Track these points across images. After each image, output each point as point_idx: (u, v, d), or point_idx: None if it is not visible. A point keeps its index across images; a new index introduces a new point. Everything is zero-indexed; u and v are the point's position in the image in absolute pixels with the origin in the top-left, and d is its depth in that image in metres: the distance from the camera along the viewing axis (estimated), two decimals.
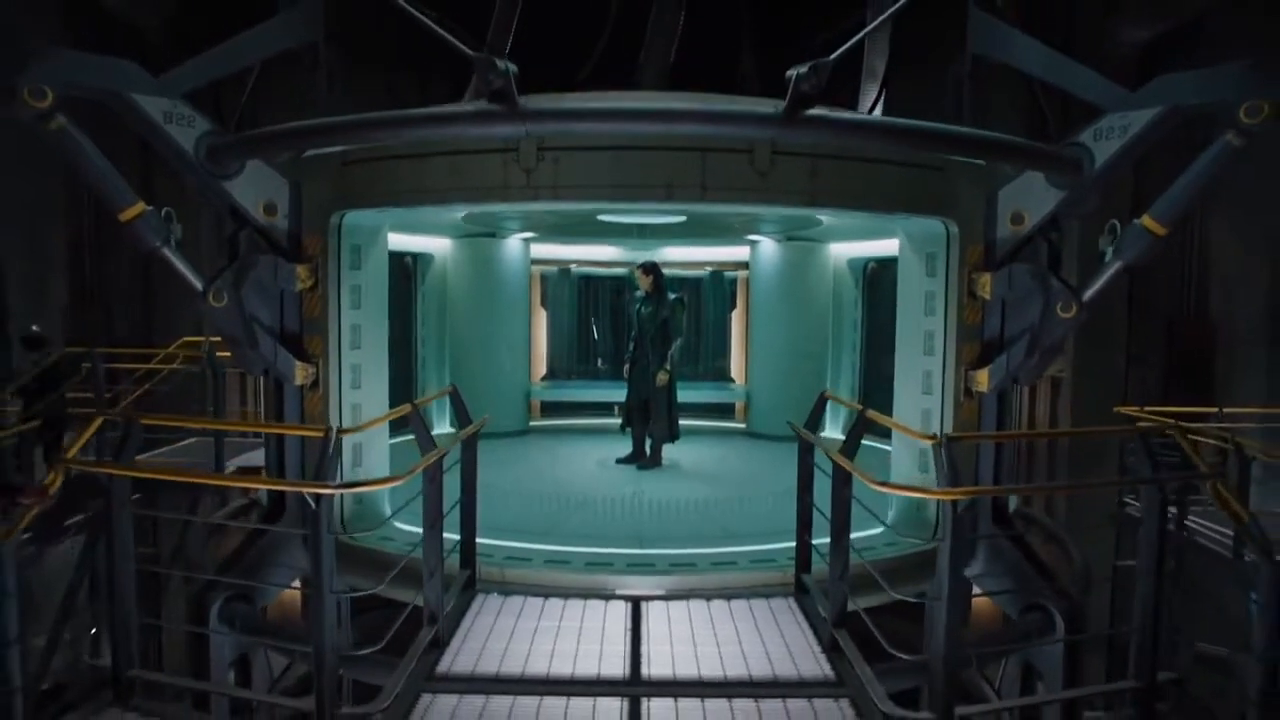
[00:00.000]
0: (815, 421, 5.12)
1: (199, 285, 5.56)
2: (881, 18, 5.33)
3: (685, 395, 9.38)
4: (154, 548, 7.65)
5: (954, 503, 3.31)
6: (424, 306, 10.34)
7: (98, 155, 5.13)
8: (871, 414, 4.39)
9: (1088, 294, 5.67)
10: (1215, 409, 9.39)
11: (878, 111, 7.97)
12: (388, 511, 5.96)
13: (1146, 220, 5.34)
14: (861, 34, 4.90)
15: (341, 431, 4.10)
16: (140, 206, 5.25)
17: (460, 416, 5.33)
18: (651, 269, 8.27)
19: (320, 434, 3.94)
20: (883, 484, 3.76)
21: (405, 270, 10.07)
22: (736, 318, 12.33)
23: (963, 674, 6.22)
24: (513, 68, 4.29)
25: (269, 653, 5.99)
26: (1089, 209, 5.81)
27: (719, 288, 12.55)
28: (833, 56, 4.46)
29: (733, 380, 12.27)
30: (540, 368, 12.24)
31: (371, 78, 10.81)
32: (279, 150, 5.43)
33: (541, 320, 12.38)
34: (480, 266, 10.27)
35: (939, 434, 3.74)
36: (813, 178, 5.23)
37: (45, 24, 9.77)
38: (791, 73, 4.37)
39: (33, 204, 10.02)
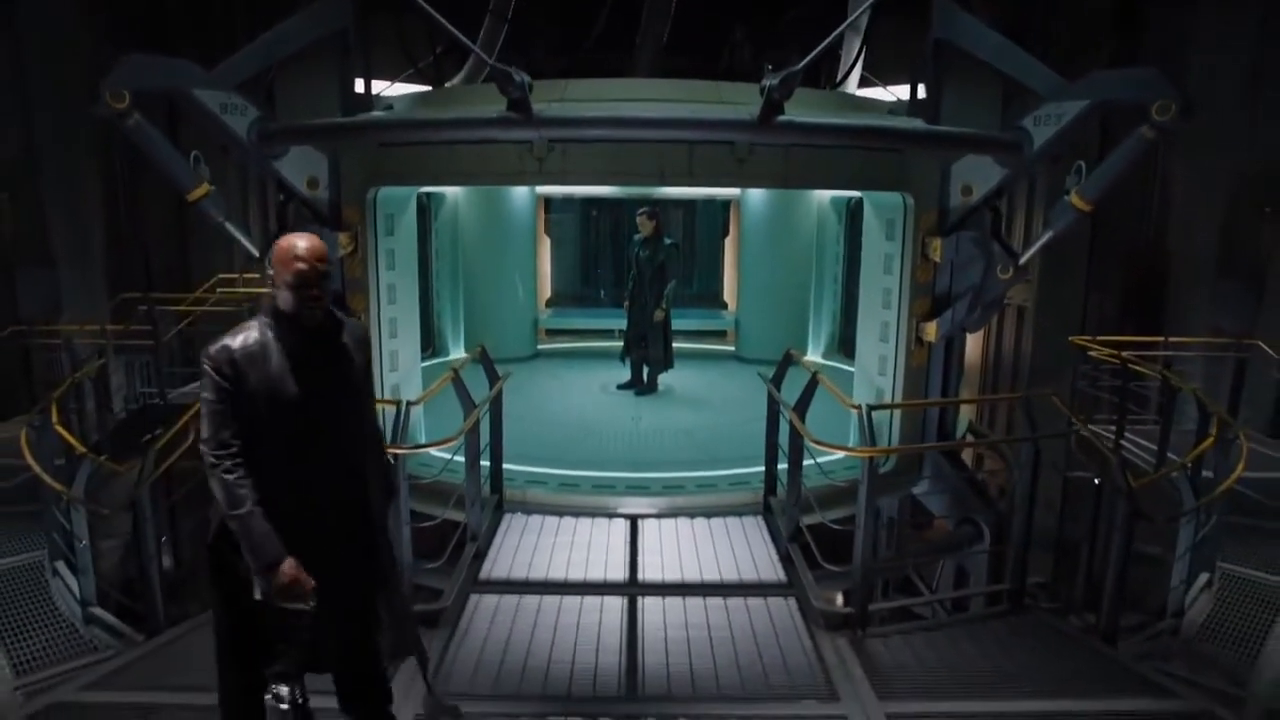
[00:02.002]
0: (780, 377, 6.09)
1: (256, 252, 6.46)
2: (854, 16, 5.99)
3: (680, 323, 10.32)
4: None
5: (870, 459, 4.35)
6: (438, 242, 11.15)
7: (166, 144, 5.92)
8: (820, 378, 5.38)
9: (1023, 258, 6.57)
10: (1162, 338, 10.37)
11: (858, 70, 8.56)
12: (423, 438, 7.02)
13: (1074, 198, 6.17)
14: (834, 34, 5.62)
15: (410, 404, 5.10)
16: (205, 188, 6.08)
17: (489, 375, 6.28)
18: (654, 214, 9.00)
19: (394, 404, 4.94)
20: (818, 442, 4.82)
21: (420, 208, 10.82)
22: (729, 244, 13.10)
23: (904, 572, 7.47)
24: (528, 79, 5.08)
25: None
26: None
27: (712, 214, 13.29)
28: (800, 65, 5.23)
29: (725, 305, 13.17)
30: (546, 293, 13.14)
31: (383, 27, 11.20)
32: (322, 141, 6.19)
33: (546, 248, 13.19)
34: (489, 204, 11.04)
35: (862, 405, 4.73)
36: (785, 163, 6.03)
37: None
38: (764, 83, 5.15)
39: (67, 152, 10.64)
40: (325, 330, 2.71)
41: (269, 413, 2.57)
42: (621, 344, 9.60)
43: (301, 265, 2.58)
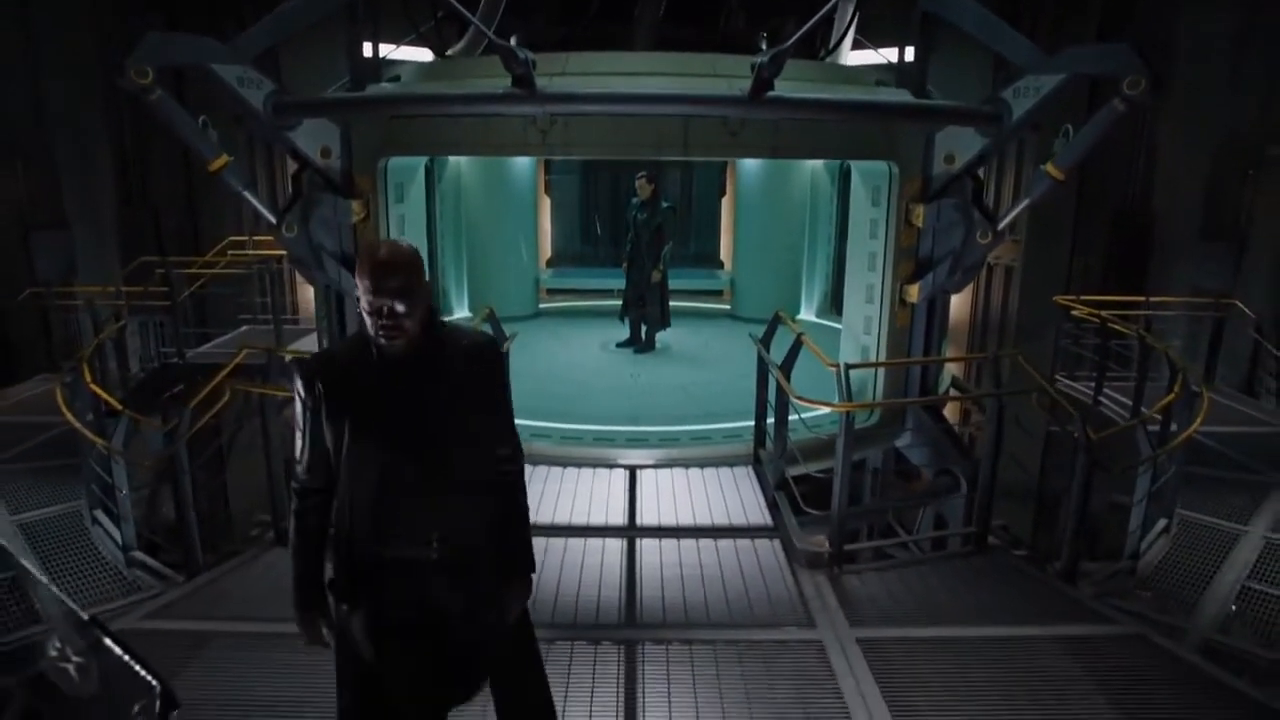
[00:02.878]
0: (769, 337, 6.47)
1: (273, 219, 6.80)
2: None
3: (677, 282, 10.67)
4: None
5: (848, 413, 4.77)
6: (442, 204, 11.44)
7: (188, 118, 6.23)
8: (804, 338, 5.78)
9: (1001, 224, 6.92)
10: (1144, 298, 10.74)
11: (851, 35, 8.79)
12: None
13: (1049, 167, 6.51)
14: (821, 12, 5.91)
15: None
16: (225, 158, 6.40)
17: (498, 334, 6.66)
18: (652, 178, 9.25)
19: None
20: (801, 398, 5.24)
21: (425, 170, 11.09)
22: (726, 204, 13.38)
23: (884, 519, 7.95)
24: (532, 57, 5.38)
25: None
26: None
27: (709, 175, 13.55)
28: (788, 44, 5.53)
29: (721, 264, 13.51)
30: (546, 253, 13.45)
31: None
32: (334, 114, 6.49)
33: (547, 209, 13.47)
34: (491, 166, 11.30)
35: (840, 363, 5.13)
36: (775, 135, 6.35)
37: None
38: (755, 60, 5.45)
39: (78, 118, 10.88)
40: (419, 353, 2.25)
41: (352, 437, 2.23)
42: (620, 303, 9.97)
43: (367, 292, 2.13)
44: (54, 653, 1.68)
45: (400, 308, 2.13)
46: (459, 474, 2.30)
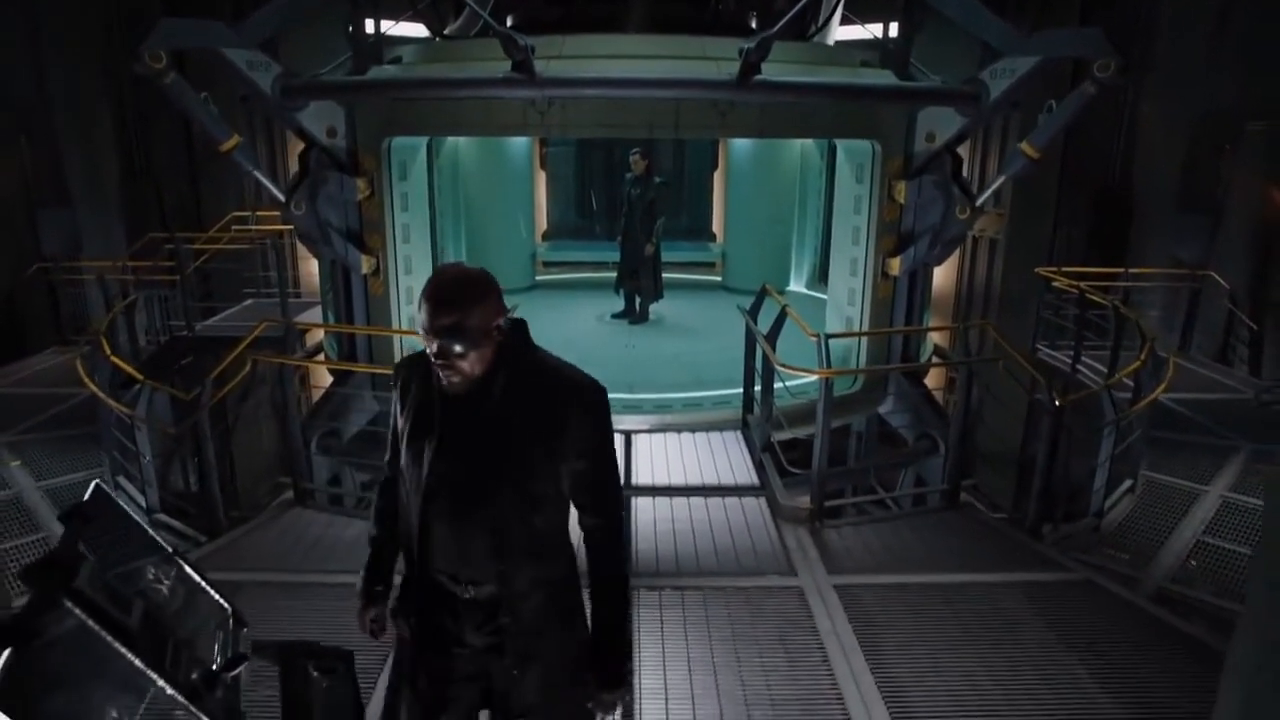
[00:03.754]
0: (757, 309, 6.82)
1: (282, 197, 7.09)
2: None
3: (670, 254, 10.95)
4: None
5: (827, 379, 5.14)
6: (440, 178, 11.66)
7: (200, 101, 6.49)
8: (789, 310, 6.13)
9: (980, 200, 7.25)
10: (1123, 269, 11.11)
11: (839, 13, 9.03)
12: None
13: (1025, 146, 6.82)
14: (800, 4, 6.18)
15: None
16: (236, 139, 6.68)
17: None
18: (645, 155, 9.45)
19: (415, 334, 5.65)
20: (784, 365, 5.61)
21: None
22: (718, 178, 13.64)
23: (867, 480, 8.36)
24: (531, 43, 5.65)
25: (354, 471, 8.04)
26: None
27: (701, 149, 13.79)
28: (773, 30, 5.82)
29: (714, 237, 13.80)
30: (542, 226, 13.71)
31: None
32: (339, 98, 6.75)
33: (542, 182, 13.72)
34: (488, 141, 11.51)
35: (820, 334, 5.50)
36: (762, 116, 6.64)
37: None
38: (742, 47, 5.74)
39: (80, 94, 11.05)
40: (487, 389, 2.01)
41: (404, 442, 2.10)
42: (615, 276, 10.27)
43: (421, 328, 1.93)
44: (150, 576, 2.04)
45: (457, 348, 1.91)
46: (499, 523, 2.03)
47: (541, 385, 2.05)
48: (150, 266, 9.60)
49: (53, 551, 1.70)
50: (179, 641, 1.95)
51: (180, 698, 1.77)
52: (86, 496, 1.98)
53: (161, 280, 9.80)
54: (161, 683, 1.73)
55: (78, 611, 1.62)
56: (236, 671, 2.07)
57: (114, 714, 1.60)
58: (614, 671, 2.15)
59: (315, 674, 2.27)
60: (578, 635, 2.17)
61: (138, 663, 1.69)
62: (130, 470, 6.63)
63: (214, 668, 2.01)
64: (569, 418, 2.03)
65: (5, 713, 1.34)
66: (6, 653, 1.41)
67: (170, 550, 2.22)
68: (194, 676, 1.90)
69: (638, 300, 10.17)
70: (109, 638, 1.66)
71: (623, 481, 5.98)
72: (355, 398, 7.81)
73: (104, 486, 2.07)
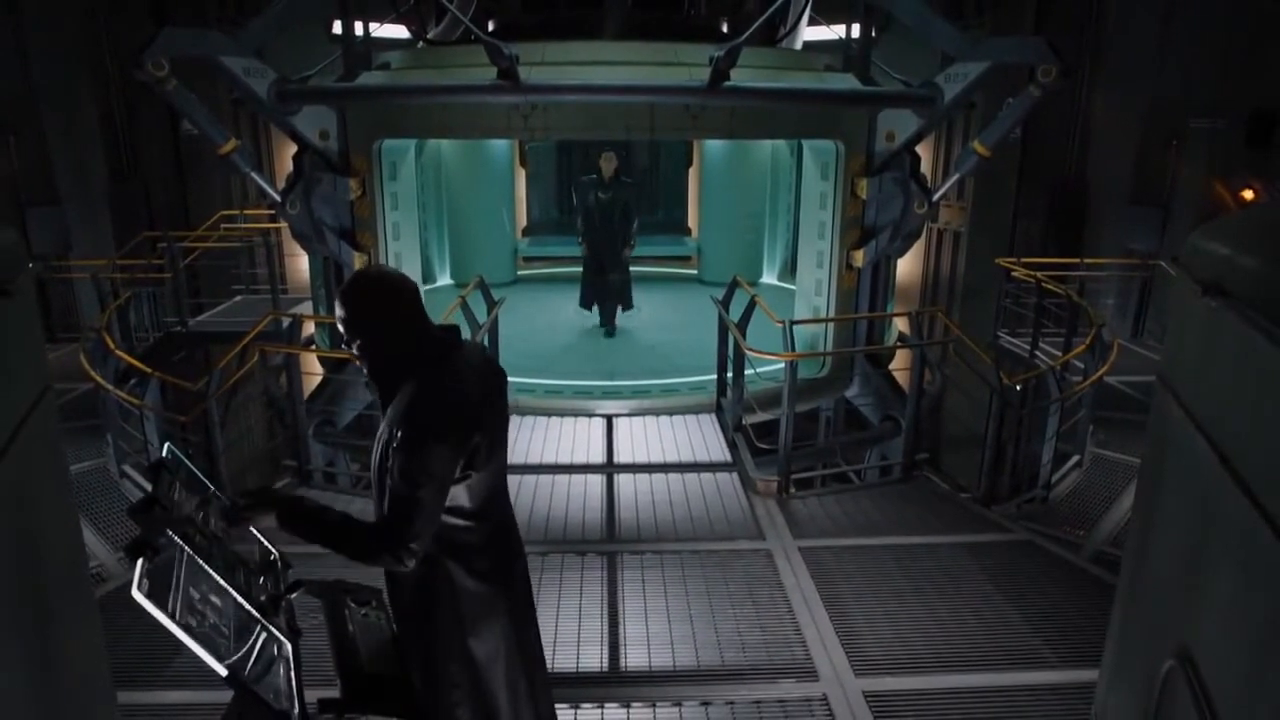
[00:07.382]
0: (729, 299, 7.27)
1: (278, 197, 7.44)
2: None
3: (646, 249, 11.30)
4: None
5: (792, 362, 5.63)
6: (423, 176, 12.01)
7: (200, 107, 6.82)
8: (757, 299, 6.60)
9: (936, 195, 7.75)
10: (1079, 260, 11.67)
11: (806, 17, 9.49)
12: None
13: (976, 144, 7.32)
14: (771, 10, 6.62)
15: None
16: (234, 143, 7.02)
17: (487, 301, 7.37)
18: (620, 155, 9.80)
19: None
20: (752, 350, 6.07)
21: None
22: (693, 175, 14.06)
23: (834, 459, 8.85)
24: (515, 52, 6.06)
25: (348, 458, 8.41)
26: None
27: (676, 146, 14.19)
28: (740, 39, 6.26)
29: (689, 231, 14.23)
30: (523, 222, 14.07)
31: None
32: (331, 103, 7.10)
33: (523, 179, 14.07)
34: (471, 141, 11.85)
35: (785, 320, 5.97)
36: (732, 119, 7.09)
37: None
38: (713, 54, 6.18)
39: (67, 93, 11.24)
40: (383, 388, 2.30)
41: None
42: (580, 292, 9.77)
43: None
44: (212, 522, 2.44)
45: (345, 337, 2.19)
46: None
47: (416, 377, 2.21)
48: (142, 265, 9.86)
49: (149, 494, 2.10)
50: (247, 571, 2.37)
51: (255, 612, 2.18)
52: (164, 453, 2.37)
53: (152, 278, 10.06)
54: (239, 598, 2.15)
55: (176, 539, 2.04)
56: (294, 595, 2.48)
57: (212, 619, 2.01)
58: (276, 506, 2.30)
59: (353, 605, 2.69)
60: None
61: (221, 580, 2.11)
62: (136, 459, 6.96)
63: (276, 593, 2.43)
64: (411, 398, 2.19)
65: (152, 600, 1.76)
66: (140, 561, 1.82)
67: (227, 502, 2.63)
68: (262, 598, 2.32)
69: (613, 307, 10.06)
70: (200, 561, 2.08)
71: (606, 460, 6.48)
72: (351, 384, 8.18)
73: (174, 448, 2.46)
